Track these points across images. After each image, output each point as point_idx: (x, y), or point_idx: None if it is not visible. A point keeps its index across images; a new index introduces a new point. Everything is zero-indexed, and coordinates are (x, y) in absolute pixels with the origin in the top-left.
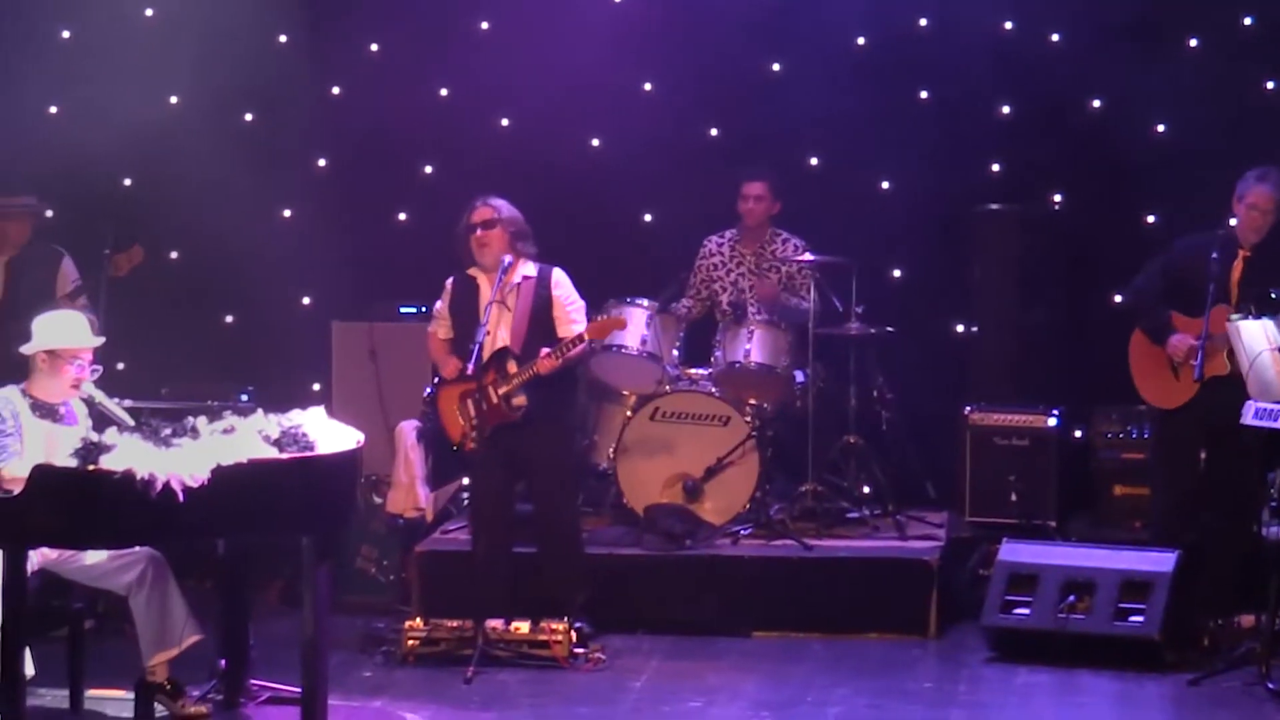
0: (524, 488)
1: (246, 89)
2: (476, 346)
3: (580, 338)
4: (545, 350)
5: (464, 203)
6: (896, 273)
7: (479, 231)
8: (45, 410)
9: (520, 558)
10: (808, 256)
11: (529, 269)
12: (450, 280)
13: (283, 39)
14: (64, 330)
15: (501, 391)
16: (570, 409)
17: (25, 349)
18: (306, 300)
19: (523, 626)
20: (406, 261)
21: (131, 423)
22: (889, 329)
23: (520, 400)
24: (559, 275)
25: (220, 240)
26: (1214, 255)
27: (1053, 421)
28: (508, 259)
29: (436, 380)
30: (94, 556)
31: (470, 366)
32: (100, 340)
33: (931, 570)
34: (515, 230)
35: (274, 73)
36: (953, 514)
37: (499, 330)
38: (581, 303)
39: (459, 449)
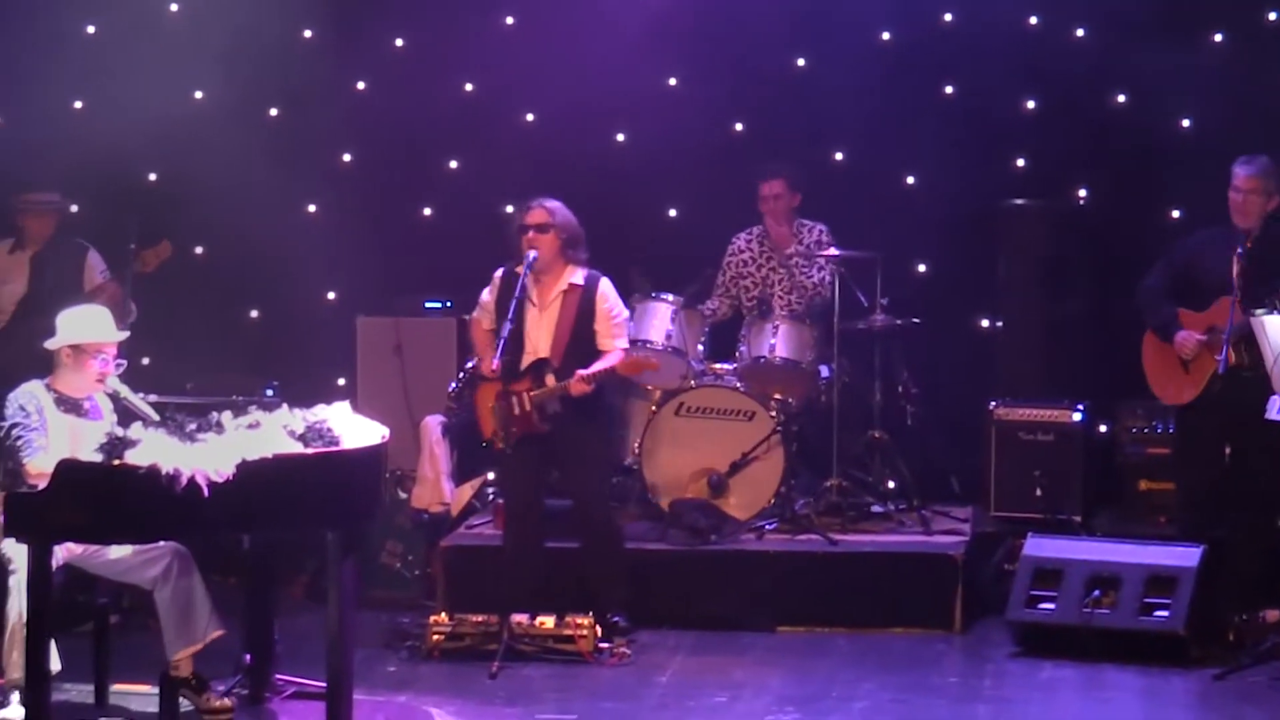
0: (556, 481)
1: (271, 84)
2: (501, 341)
3: (613, 370)
4: (580, 373)
5: (489, 198)
6: (921, 267)
7: (531, 234)
8: (70, 405)
9: (553, 552)
10: (833, 251)
11: (576, 276)
12: (499, 272)
13: (308, 34)
14: (88, 325)
15: (534, 398)
16: (603, 406)
17: (50, 344)
18: (331, 295)
19: (548, 621)
20: (431, 256)
21: (156, 418)
22: (914, 323)
23: (552, 409)
24: (605, 286)
25: (245, 235)
26: (1217, 248)
27: (1078, 416)
28: (533, 254)
29: (470, 364)
30: (119, 551)
31: (495, 361)
32: (125, 335)
33: (956, 565)
34: (567, 236)
35: (299, 68)
36: (978, 509)
37: (539, 335)
38: (625, 315)
39: (489, 445)
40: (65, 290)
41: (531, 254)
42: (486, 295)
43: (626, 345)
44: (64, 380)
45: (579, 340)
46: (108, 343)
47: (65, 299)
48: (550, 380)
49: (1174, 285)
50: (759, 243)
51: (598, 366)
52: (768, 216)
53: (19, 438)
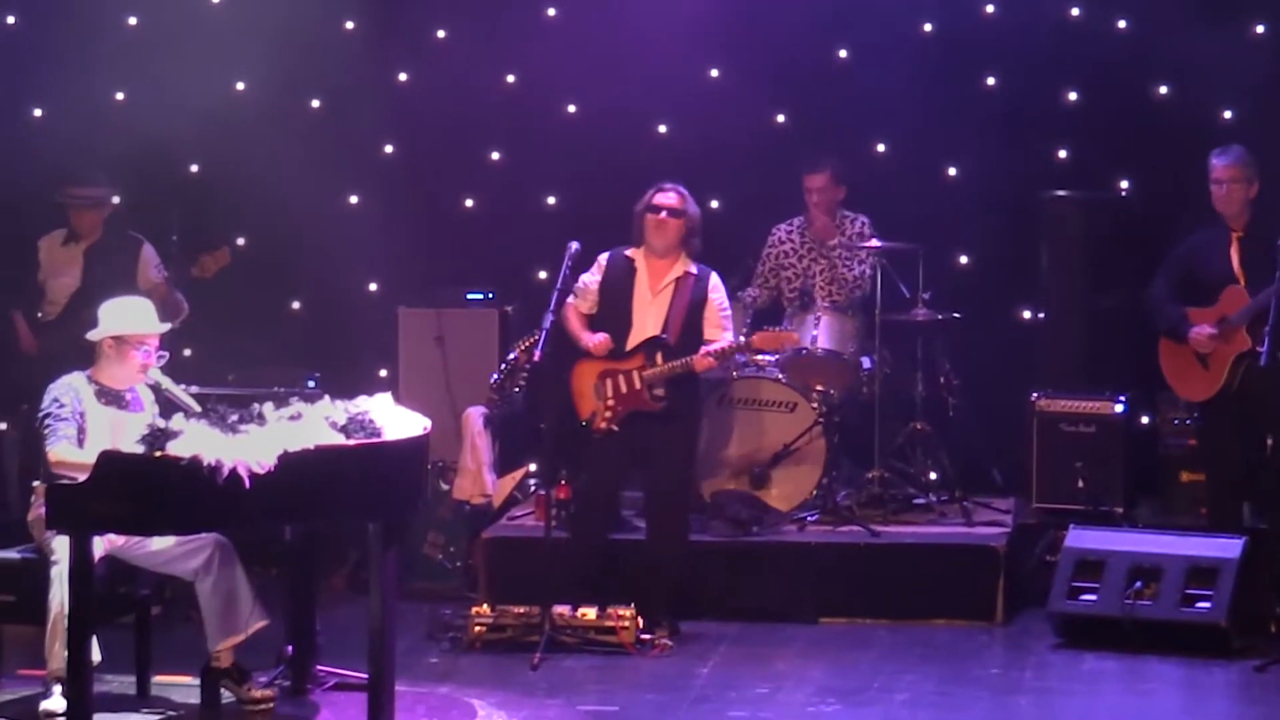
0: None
1: (313, 76)
2: (543, 333)
3: (748, 345)
4: (705, 349)
5: (532, 189)
6: (963, 259)
7: (663, 214)
8: (111, 397)
9: (621, 545)
10: (875, 243)
11: (691, 266)
12: (606, 256)
13: (350, 25)
14: (131, 316)
15: (647, 375)
16: (699, 407)
17: (92, 335)
18: (373, 287)
19: (590, 612)
20: (473, 248)
21: (198, 409)
22: (956, 315)
23: (661, 391)
24: (716, 280)
25: (287, 227)
26: (1212, 244)
27: (1119, 408)
28: (575, 245)
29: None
30: (160, 542)
31: (597, 339)
32: (167, 326)
33: (998, 556)
34: (691, 226)
35: (341, 59)
36: (1019, 500)
37: (645, 318)
38: (730, 311)
39: (587, 425)
40: (118, 284)
41: (573, 245)
42: (592, 279)
43: (732, 338)
44: (106, 372)
45: (690, 328)
46: (150, 334)
47: (118, 293)
48: (660, 358)
49: (1176, 289)
50: (800, 234)
51: (720, 345)
52: (812, 209)
53: (47, 426)
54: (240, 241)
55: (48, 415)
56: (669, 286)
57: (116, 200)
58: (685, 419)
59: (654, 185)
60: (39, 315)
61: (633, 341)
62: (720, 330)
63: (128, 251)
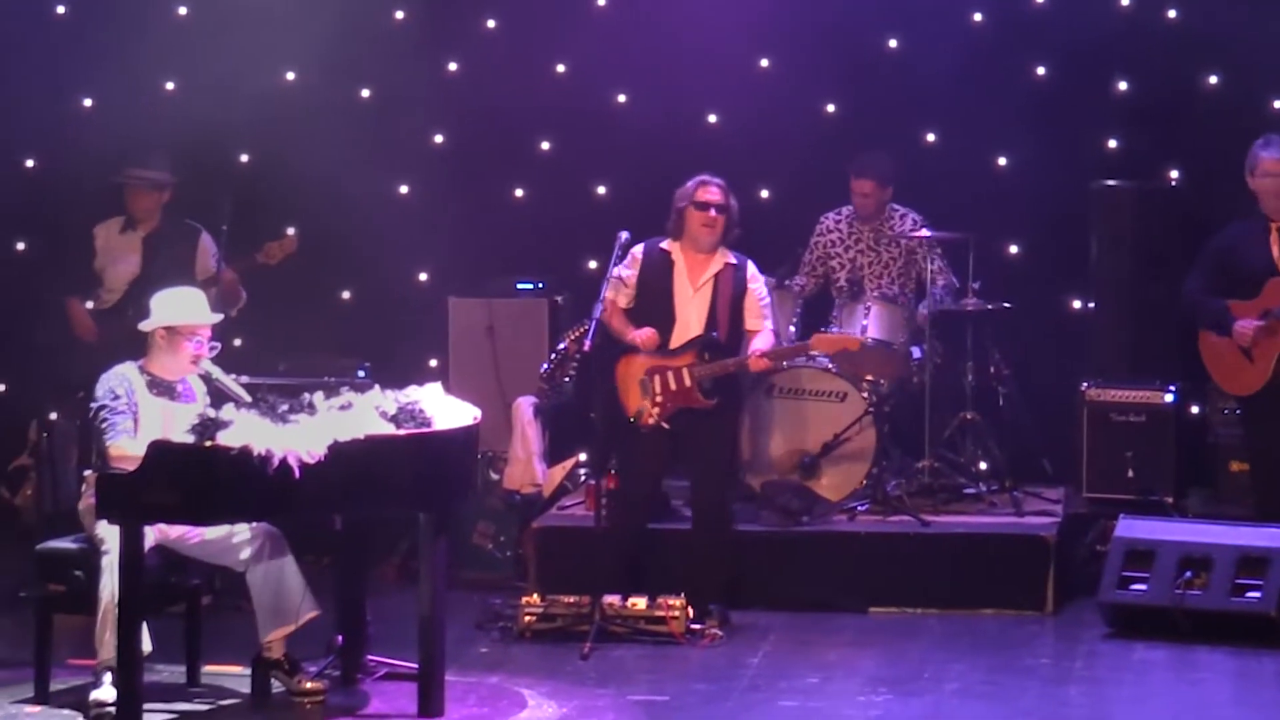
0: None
1: (363, 65)
2: (593, 323)
3: (805, 347)
4: (760, 351)
5: (582, 178)
6: (1014, 249)
7: (712, 213)
8: (163, 388)
9: (659, 535)
10: (925, 232)
11: (730, 257)
12: (641, 248)
13: (400, 15)
14: (183, 307)
15: (699, 373)
16: (741, 400)
17: (143, 325)
18: (423, 277)
19: (640, 602)
20: (523, 237)
21: (249, 399)
22: (1006, 305)
23: (710, 387)
24: (754, 269)
25: (337, 217)
26: (1250, 237)
27: (1170, 398)
28: (625, 234)
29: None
30: (211, 533)
31: (641, 335)
32: (219, 317)
33: (1048, 546)
34: (734, 219)
35: (391, 49)
36: (1069, 490)
37: (689, 314)
38: (770, 299)
39: (635, 420)
40: (177, 273)
41: (623, 235)
42: (630, 273)
43: (773, 327)
44: (157, 362)
45: (734, 321)
46: (202, 325)
47: (176, 282)
48: (710, 357)
49: (1214, 285)
50: (848, 224)
51: (778, 346)
52: (859, 209)
53: (105, 420)
54: (290, 231)
55: (103, 408)
56: (709, 281)
57: (173, 185)
58: (728, 412)
59: (694, 178)
60: (94, 303)
61: (678, 337)
62: (760, 320)
63: (187, 240)
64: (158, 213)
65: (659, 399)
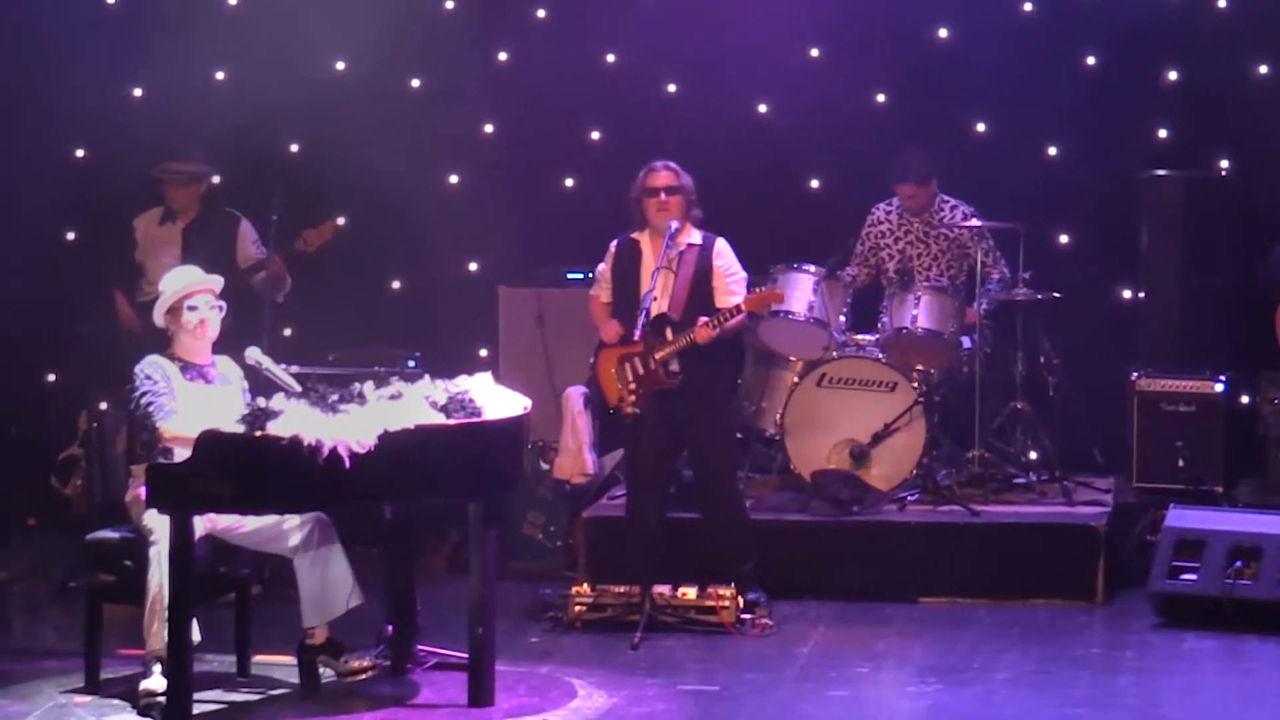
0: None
1: (413, 55)
2: (644, 312)
3: (738, 309)
4: (703, 319)
5: (631, 168)
6: (1064, 239)
7: (662, 196)
8: (195, 371)
9: (682, 523)
10: (975, 222)
11: (694, 236)
12: (614, 243)
13: (450, 5)
14: (169, 281)
15: (658, 357)
16: (728, 377)
17: (154, 320)
18: (473, 266)
19: (690, 592)
20: (573, 227)
21: (299, 389)
22: (1056, 294)
23: (675, 367)
24: (721, 245)
25: (387, 206)
26: None
27: (1220, 387)
28: (674, 224)
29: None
30: (259, 521)
31: (638, 331)
32: (208, 279)
33: (1099, 536)
34: (690, 198)
35: (441, 39)
36: (1120, 480)
37: (661, 295)
38: (742, 274)
39: (616, 412)
40: (218, 262)
41: (674, 224)
42: (603, 267)
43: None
44: (180, 346)
45: (697, 299)
46: (194, 289)
47: (217, 271)
48: (669, 334)
49: None
50: (899, 215)
51: (721, 315)
52: (908, 207)
53: (149, 404)
54: (340, 221)
55: (145, 394)
56: (675, 260)
57: (216, 180)
58: (712, 392)
59: (645, 166)
60: (137, 295)
61: (642, 324)
62: (731, 296)
63: (225, 228)
64: (196, 203)
65: (632, 386)
